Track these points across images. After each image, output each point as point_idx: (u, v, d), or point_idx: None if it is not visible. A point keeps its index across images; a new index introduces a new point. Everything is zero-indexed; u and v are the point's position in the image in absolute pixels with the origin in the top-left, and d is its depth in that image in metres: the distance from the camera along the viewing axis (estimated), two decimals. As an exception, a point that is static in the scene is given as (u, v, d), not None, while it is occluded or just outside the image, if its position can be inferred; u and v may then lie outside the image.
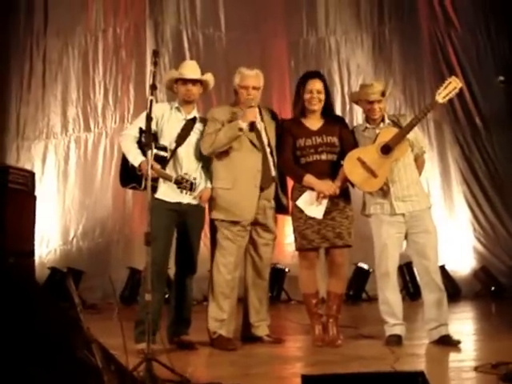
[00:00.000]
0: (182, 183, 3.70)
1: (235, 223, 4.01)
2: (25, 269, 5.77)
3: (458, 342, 3.79)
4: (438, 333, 3.89)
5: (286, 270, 7.09)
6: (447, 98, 3.91)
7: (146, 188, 3.26)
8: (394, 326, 3.97)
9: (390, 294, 3.99)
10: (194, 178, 3.75)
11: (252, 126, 3.99)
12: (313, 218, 3.98)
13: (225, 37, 8.14)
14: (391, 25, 8.22)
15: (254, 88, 4.10)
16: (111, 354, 1.86)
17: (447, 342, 3.81)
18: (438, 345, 3.84)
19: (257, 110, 4.07)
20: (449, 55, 8.08)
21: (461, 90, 3.95)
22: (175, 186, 3.74)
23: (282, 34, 8.25)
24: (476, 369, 3.03)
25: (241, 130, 3.93)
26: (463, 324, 5.08)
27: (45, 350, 1.39)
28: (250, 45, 7.99)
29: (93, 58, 8.01)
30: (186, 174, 3.79)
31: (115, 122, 7.87)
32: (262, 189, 4.06)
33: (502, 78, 3.42)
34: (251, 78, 4.12)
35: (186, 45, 8.06)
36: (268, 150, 4.14)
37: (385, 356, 3.47)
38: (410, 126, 3.92)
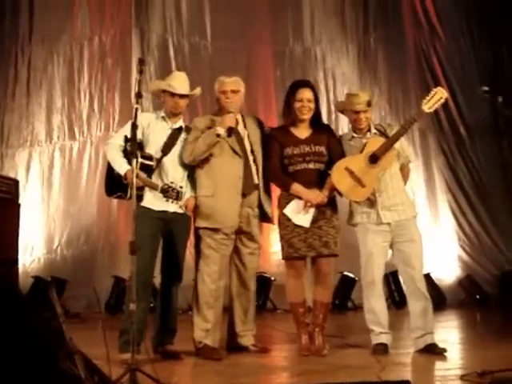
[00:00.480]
0: (168, 192, 3.67)
1: (218, 231, 3.99)
2: (8, 278, 5.70)
3: (444, 351, 3.79)
4: (423, 341, 3.89)
5: (272, 278, 7.07)
6: (433, 108, 3.93)
7: (131, 197, 3.24)
8: (380, 334, 3.97)
9: (375, 303, 4.00)
10: (181, 187, 3.73)
11: (230, 132, 3.98)
12: (300, 227, 3.98)
13: (211, 45, 8.14)
14: (376, 34, 8.28)
15: (233, 91, 4.11)
16: (94, 365, 1.84)
17: (433, 351, 3.81)
18: (424, 353, 3.84)
19: (235, 115, 4.05)
20: (433, 64, 8.15)
21: (445, 99, 3.97)
22: (161, 194, 3.72)
23: (268, 44, 8.26)
24: (462, 377, 3.03)
25: (218, 135, 3.92)
26: (449, 332, 5.09)
27: (27, 360, 1.36)
28: (235, 53, 8.01)
29: (78, 65, 7.99)
30: (172, 182, 3.77)
31: (100, 130, 7.84)
32: (244, 195, 4.04)
33: (485, 88, 3.44)
34: (229, 82, 4.14)
35: (171, 53, 8.06)
36: (251, 157, 4.12)
37: (371, 365, 3.46)
38: (397, 136, 3.94)
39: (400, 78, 8.12)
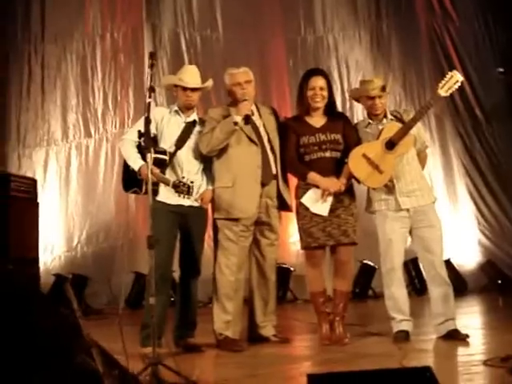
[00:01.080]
0: (180, 187, 3.67)
1: (237, 223, 3.98)
2: (24, 275, 5.75)
3: (467, 336, 3.77)
4: (445, 327, 3.86)
5: (292, 269, 7.07)
6: (449, 91, 3.89)
7: (146, 192, 3.25)
8: (401, 321, 3.94)
9: (396, 290, 3.97)
10: (192, 182, 3.71)
11: (247, 120, 3.97)
12: (318, 216, 3.95)
13: (222, 38, 8.13)
14: (389, 19, 8.20)
15: (246, 82, 4.10)
16: (115, 359, 1.85)
17: (455, 337, 3.79)
18: (446, 340, 3.81)
19: (251, 103, 4.06)
20: (447, 48, 8.05)
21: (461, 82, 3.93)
22: (173, 190, 3.73)
23: (280, 33, 8.23)
24: (485, 363, 3.01)
25: (236, 123, 3.92)
26: (471, 318, 5.06)
27: (42, 355, 1.37)
28: (247, 45, 7.99)
29: (91, 63, 8.02)
30: (183, 177, 3.76)
31: (115, 127, 7.87)
32: (263, 185, 4.03)
33: (501, 69, 3.40)
34: (240, 74, 4.13)
35: (183, 47, 8.06)
36: (268, 146, 4.11)
37: (392, 353, 3.46)
38: (414, 121, 3.90)
39: (414, 63, 8.05)
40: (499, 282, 7.11)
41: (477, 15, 8.09)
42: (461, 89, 7.54)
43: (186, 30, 8.12)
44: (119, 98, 7.94)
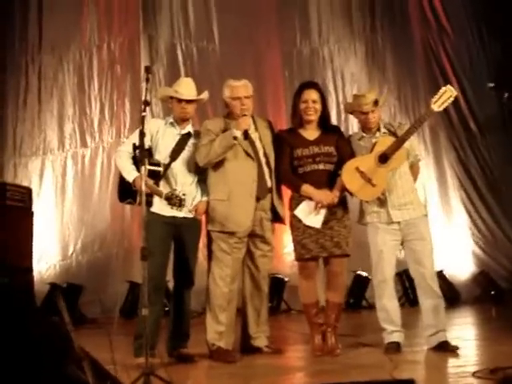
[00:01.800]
0: (172, 199, 3.73)
1: (232, 235, 4.02)
2: (18, 287, 5.76)
3: (456, 348, 3.80)
4: (436, 339, 3.90)
5: (286, 279, 7.09)
6: (443, 106, 3.94)
7: (140, 203, 3.29)
8: (393, 332, 3.98)
9: (387, 301, 4.01)
10: (184, 194, 3.77)
11: (246, 135, 4.01)
12: (311, 228, 3.99)
13: (219, 49, 8.19)
14: (383, 32, 8.28)
15: (246, 97, 4.12)
16: (106, 371, 1.88)
17: (446, 348, 3.82)
18: (437, 351, 3.84)
19: (250, 118, 4.10)
20: (442, 61, 8.14)
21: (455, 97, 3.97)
22: (165, 202, 3.77)
23: (276, 45, 8.31)
24: (474, 374, 3.04)
25: (235, 138, 3.96)
26: (463, 329, 5.09)
27: (33, 365, 1.40)
28: (243, 56, 8.06)
29: (88, 73, 8.06)
30: (175, 190, 3.83)
31: (112, 137, 7.90)
32: (257, 199, 4.06)
33: (491, 84, 3.45)
34: (241, 88, 4.15)
35: (180, 58, 8.12)
36: (263, 159, 4.14)
37: (383, 364, 3.48)
38: (407, 135, 3.95)
39: (409, 75, 8.12)
40: (492, 292, 7.16)
41: (471, 28, 8.19)
42: (455, 101, 7.59)
43: (183, 42, 8.19)
44: (115, 108, 7.98)
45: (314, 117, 4.09)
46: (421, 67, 8.14)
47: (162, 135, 4.06)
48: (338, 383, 2.15)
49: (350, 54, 8.30)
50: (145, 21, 8.01)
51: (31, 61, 8.12)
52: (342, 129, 7.32)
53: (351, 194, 4.08)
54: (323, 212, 3.99)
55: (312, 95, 4.08)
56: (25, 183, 7.52)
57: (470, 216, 7.82)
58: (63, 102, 8.06)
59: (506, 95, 3.30)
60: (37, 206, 7.01)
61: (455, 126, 7.99)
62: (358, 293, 7.04)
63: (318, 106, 4.10)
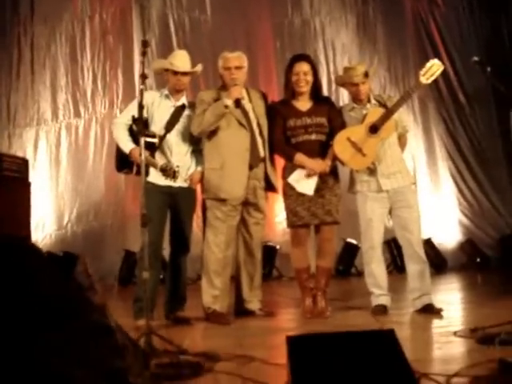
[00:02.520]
0: (166, 171, 3.92)
1: (225, 203, 4.15)
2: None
3: (441, 310, 3.98)
4: (421, 302, 4.07)
5: (277, 247, 7.27)
6: (431, 79, 4.06)
7: (137, 173, 3.42)
8: (380, 296, 4.16)
9: (375, 267, 4.18)
10: (177, 166, 3.94)
11: (238, 103, 4.13)
12: (303, 196, 4.13)
13: (210, 19, 8.23)
14: (375, 4, 8.35)
15: (237, 68, 4.20)
16: (117, 323, 2.01)
17: (430, 310, 3.99)
18: (422, 313, 4.02)
19: (242, 87, 4.20)
20: (432, 33, 8.23)
21: (445, 67, 4.08)
22: (160, 173, 3.93)
23: (267, 16, 8.34)
24: (455, 333, 3.21)
25: (226, 107, 4.06)
26: (449, 294, 5.27)
27: (54, 317, 1.52)
28: (235, 27, 8.11)
29: (80, 44, 8.11)
30: (169, 162, 4.00)
31: (105, 108, 7.98)
32: (250, 167, 4.18)
33: (476, 58, 3.55)
34: (233, 58, 4.23)
35: (172, 28, 8.15)
36: (257, 129, 4.25)
37: (370, 324, 3.66)
38: (396, 107, 4.08)
39: (399, 47, 8.21)
40: (478, 260, 7.39)
41: (462, 1, 8.27)
42: (444, 74, 7.81)
43: (175, 12, 8.21)
44: (108, 78, 8.03)
45: (305, 88, 4.20)
46: (411, 39, 8.23)
47: (157, 107, 4.17)
48: (322, 333, 2.31)
49: (341, 26, 8.36)
50: (136, -10, 8.02)
51: (23, 32, 8.15)
52: (333, 100, 7.47)
53: (342, 163, 4.21)
54: (315, 180, 4.12)
55: (303, 67, 4.19)
56: (19, 154, 7.62)
57: (458, 186, 8.00)
58: (56, 73, 8.11)
59: (489, 69, 3.41)
60: (32, 176, 7.10)
61: (444, 98, 8.12)
62: (348, 260, 7.23)
63: (310, 78, 4.20)
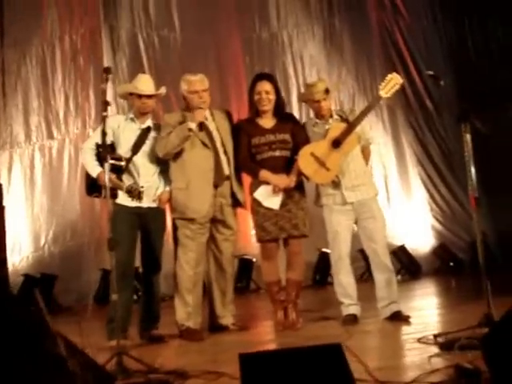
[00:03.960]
0: (132, 192, 4.01)
1: (193, 221, 4.23)
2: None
3: (408, 317, 4.09)
4: (389, 310, 4.18)
5: (254, 260, 7.31)
6: (390, 92, 4.19)
7: (106, 197, 3.49)
8: (349, 306, 4.26)
9: (343, 277, 4.29)
10: (142, 187, 4.04)
11: (201, 126, 4.24)
12: (271, 211, 4.23)
13: (180, 37, 8.33)
14: (341, 15, 8.50)
15: (204, 91, 4.31)
16: (78, 348, 2.08)
17: (398, 318, 4.10)
18: (391, 321, 4.12)
19: (205, 110, 4.30)
20: (398, 42, 8.39)
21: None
22: (127, 194, 4.02)
23: (236, 31, 8.46)
24: (419, 340, 3.32)
25: (190, 130, 4.16)
26: (423, 299, 5.39)
27: (16, 345, 1.59)
28: (204, 44, 8.22)
29: (51, 65, 8.14)
30: (134, 183, 4.09)
31: (77, 128, 8.01)
32: (216, 186, 4.28)
33: (430, 72, 3.68)
34: (198, 82, 4.33)
35: (142, 47, 8.23)
36: (221, 148, 4.35)
37: (340, 334, 3.75)
38: (358, 121, 4.20)
39: (366, 57, 8.36)
40: (451, 264, 7.52)
41: (425, 10, 8.45)
42: (412, 82, 7.99)
43: (144, 30, 8.30)
44: (80, 99, 8.06)
45: (267, 107, 4.31)
46: (377, 48, 8.37)
47: (123, 130, 4.26)
48: (272, 351, 2.40)
49: (308, 38, 8.51)
50: (105, 11, 8.07)
51: (-6, 56, 8.17)
52: (303, 112, 7.65)
53: (307, 178, 4.31)
54: (280, 195, 4.23)
55: (265, 86, 4.29)
56: (-6, 177, 7.63)
57: (429, 191, 8.13)
58: (28, 96, 8.14)
59: (442, 83, 3.54)
60: (7, 199, 7.14)
61: (412, 105, 8.26)
62: (324, 269, 7.27)
63: (272, 97, 4.31)
